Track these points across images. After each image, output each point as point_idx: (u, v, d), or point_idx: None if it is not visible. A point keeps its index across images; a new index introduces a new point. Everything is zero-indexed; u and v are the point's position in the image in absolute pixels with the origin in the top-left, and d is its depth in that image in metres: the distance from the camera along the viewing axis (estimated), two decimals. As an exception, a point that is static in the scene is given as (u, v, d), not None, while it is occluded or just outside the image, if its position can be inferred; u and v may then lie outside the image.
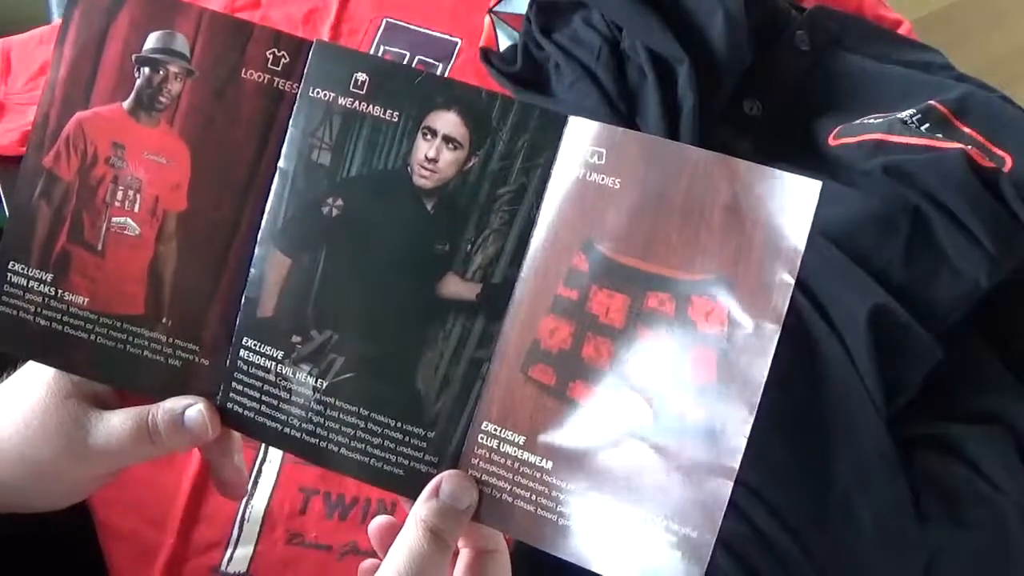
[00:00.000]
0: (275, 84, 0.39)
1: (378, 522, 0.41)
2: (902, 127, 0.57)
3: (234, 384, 0.39)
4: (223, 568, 0.55)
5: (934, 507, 0.49)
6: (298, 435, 0.38)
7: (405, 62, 0.69)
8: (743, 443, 0.35)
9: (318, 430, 0.38)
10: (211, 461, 0.42)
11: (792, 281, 0.35)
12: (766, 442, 0.49)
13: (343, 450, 0.38)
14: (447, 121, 0.37)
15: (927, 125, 0.56)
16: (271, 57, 0.39)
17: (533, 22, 0.67)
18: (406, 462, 0.38)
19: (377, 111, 0.38)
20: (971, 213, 0.51)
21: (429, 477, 0.37)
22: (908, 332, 0.50)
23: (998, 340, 0.56)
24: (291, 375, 0.38)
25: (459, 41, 0.70)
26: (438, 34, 0.71)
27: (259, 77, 0.39)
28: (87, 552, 0.56)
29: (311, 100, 0.38)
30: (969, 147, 0.54)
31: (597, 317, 0.36)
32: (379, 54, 0.70)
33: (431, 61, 0.70)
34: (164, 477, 0.57)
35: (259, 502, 0.57)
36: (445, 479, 0.37)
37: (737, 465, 0.35)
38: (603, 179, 0.36)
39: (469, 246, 0.38)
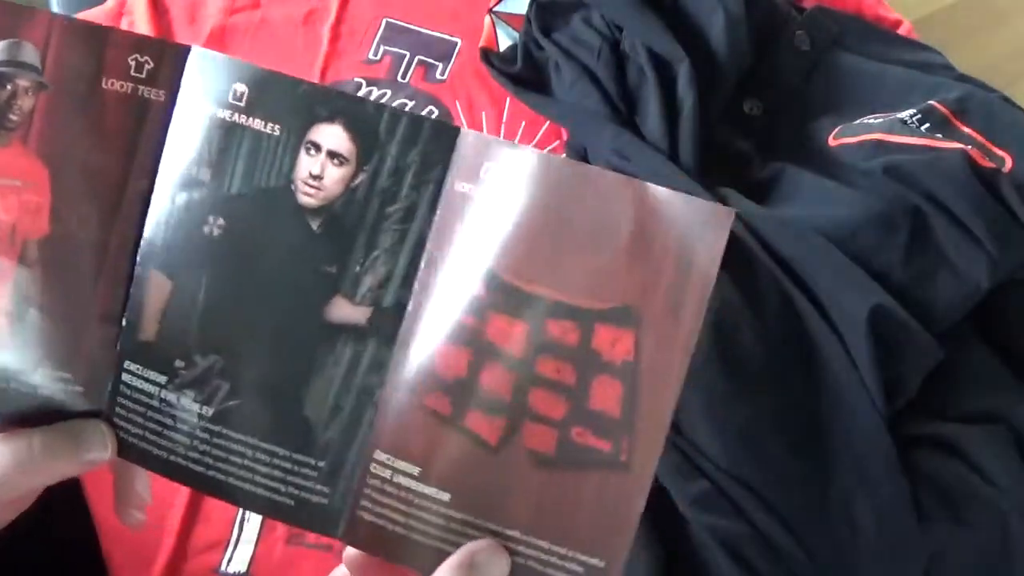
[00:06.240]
0: (140, 93, 0.35)
1: None
2: (902, 127, 0.56)
3: (118, 409, 0.37)
4: (223, 568, 0.55)
5: (934, 507, 0.49)
6: (184, 463, 0.37)
7: (405, 62, 0.69)
8: (651, 471, 0.33)
9: (205, 458, 0.37)
10: (116, 485, 0.40)
11: (703, 312, 0.33)
12: (766, 442, 0.49)
13: (232, 479, 0.37)
14: (331, 135, 0.35)
15: (927, 125, 0.56)
16: (134, 64, 0.35)
17: (533, 22, 0.67)
18: (297, 492, 0.36)
19: (258, 124, 0.35)
20: (971, 213, 0.51)
21: (321, 507, 0.36)
22: (908, 332, 0.50)
23: (998, 340, 0.55)
24: (175, 401, 0.37)
25: (459, 41, 0.70)
26: (438, 34, 0.71)
27: (122, 87, 0.35)
28: (87, 552, 0.56)
29: (189, 111, 0.36)
30: (969, 147, 0.54)
31: (495, 344, 0.34)
32: (379, 54, 0.70)
33: (431, 61, 0.70)
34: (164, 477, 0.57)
35: (259, 502, 0.57)
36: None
37: (646, 494, 0.33)
38: (500, 198, 0.34)
39: (358, 268, 0.36)
